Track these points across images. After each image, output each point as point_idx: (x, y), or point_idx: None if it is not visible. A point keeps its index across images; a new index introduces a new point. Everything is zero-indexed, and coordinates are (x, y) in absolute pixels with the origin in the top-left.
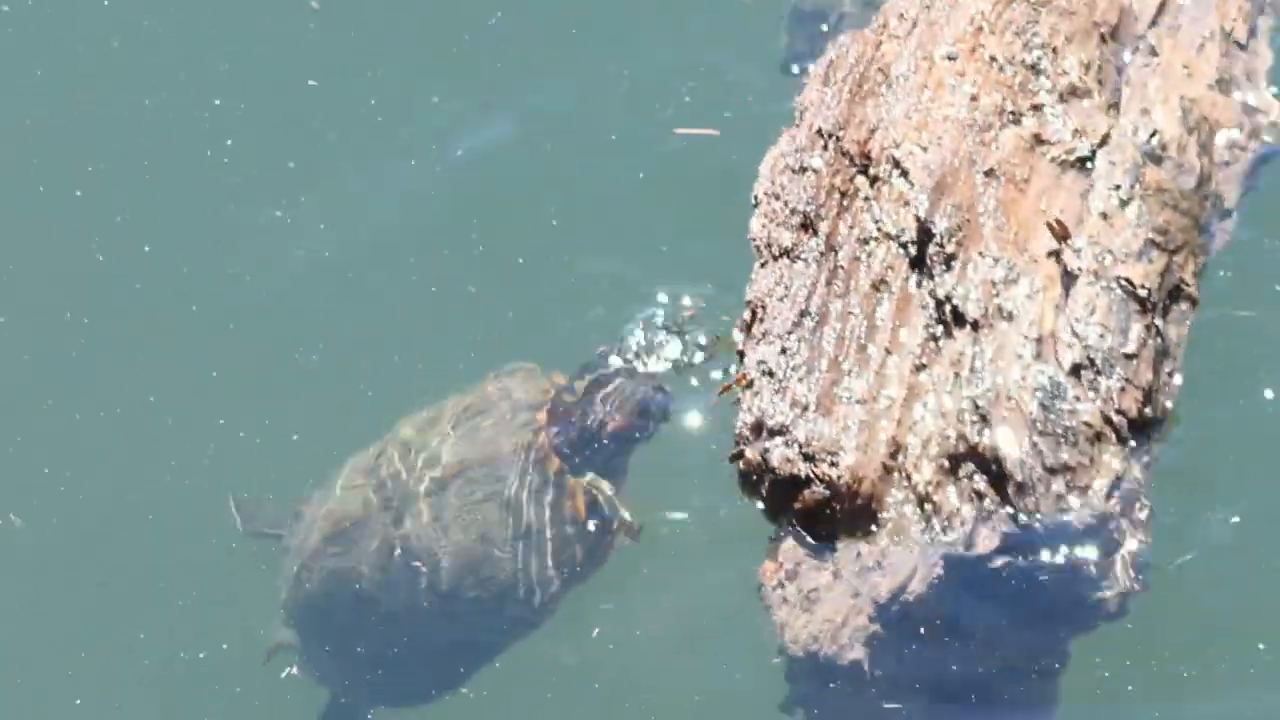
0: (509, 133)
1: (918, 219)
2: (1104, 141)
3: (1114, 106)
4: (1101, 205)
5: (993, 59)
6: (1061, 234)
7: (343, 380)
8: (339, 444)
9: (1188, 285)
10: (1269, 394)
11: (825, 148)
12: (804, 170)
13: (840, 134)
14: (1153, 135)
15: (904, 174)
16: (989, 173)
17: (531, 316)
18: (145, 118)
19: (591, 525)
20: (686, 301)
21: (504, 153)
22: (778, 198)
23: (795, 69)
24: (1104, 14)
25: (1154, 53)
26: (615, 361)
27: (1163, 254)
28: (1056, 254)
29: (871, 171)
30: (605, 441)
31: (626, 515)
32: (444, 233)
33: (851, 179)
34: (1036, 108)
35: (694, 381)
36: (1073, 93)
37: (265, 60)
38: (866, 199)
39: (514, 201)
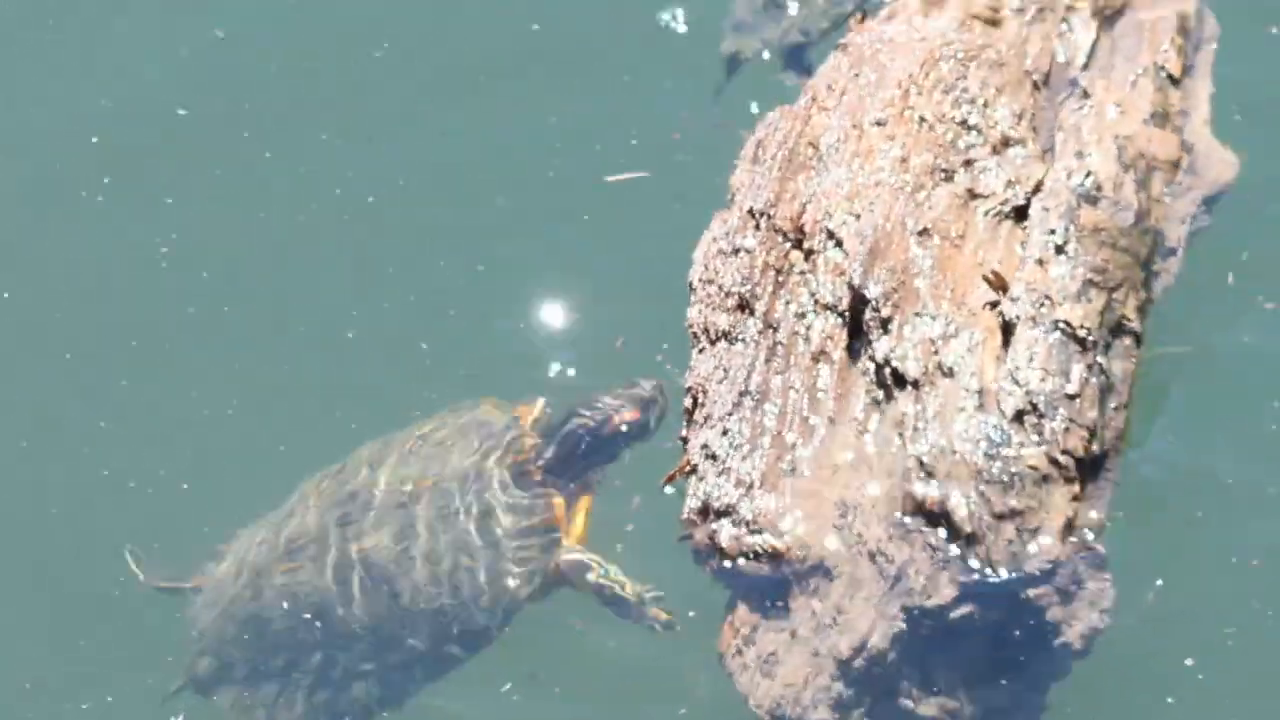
0: (396, 173)
1: (851, 286)
2: (1037, 189)
3: (1048, 153)
4: (1037, 252)
5: (922, 119)
6: (999, 285)
7: (245, 430)
8: (235, 494)
9: (1130, 321)
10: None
11: (757, 227)
12: (737, 252)
13: (772, 211)
14: (1087, 176)
15: (838, 244)
16: (923, 233)
17: (443, 357)
18: (21, 152)
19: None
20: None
21: (397, 192)
22: (712, 282)
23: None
24: (1035, 62)
25: (1086, 95)
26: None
27: (1102, 292)
28: (995, 305)
29: (806, 245)
30: (604, 441)
31: (660, 615)
32: (349, 272)
33: (786, 254)
34: (968, 163)
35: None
36: (1005, 143)
37: (144, 96)
38: (802, 273)
39: (413, 240)
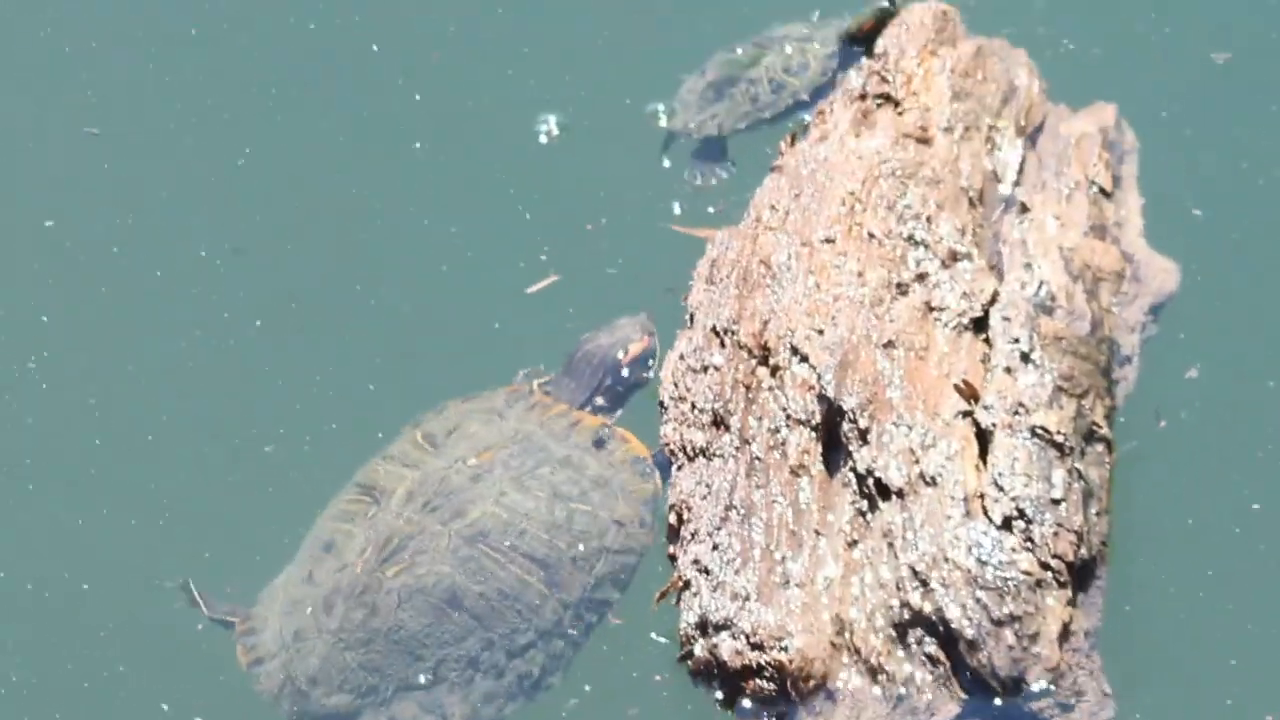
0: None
1: (827, 399)
2: (993, 300)
3: (994, 267)
4: (1004, 361)
5: (871, 235)
6: (970, 394)
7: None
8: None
9: (1100, 428)
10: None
11: (723, 344)
12: (706, 369)
13: (735, 329)
14: (1040, 287)
15: (803, 359)
16: (888, 345)
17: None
18: None
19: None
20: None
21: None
22: (684, 399)
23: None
24: (970, 178)
25: (1025, 209)
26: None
27: (1071, 399)
28: (968, 414)
29: (771, 361)
30: (620, 376)
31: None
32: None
33: (753, 371)
34: (921, 277)
35: None
36: (953, 258)
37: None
38: (771, 389)
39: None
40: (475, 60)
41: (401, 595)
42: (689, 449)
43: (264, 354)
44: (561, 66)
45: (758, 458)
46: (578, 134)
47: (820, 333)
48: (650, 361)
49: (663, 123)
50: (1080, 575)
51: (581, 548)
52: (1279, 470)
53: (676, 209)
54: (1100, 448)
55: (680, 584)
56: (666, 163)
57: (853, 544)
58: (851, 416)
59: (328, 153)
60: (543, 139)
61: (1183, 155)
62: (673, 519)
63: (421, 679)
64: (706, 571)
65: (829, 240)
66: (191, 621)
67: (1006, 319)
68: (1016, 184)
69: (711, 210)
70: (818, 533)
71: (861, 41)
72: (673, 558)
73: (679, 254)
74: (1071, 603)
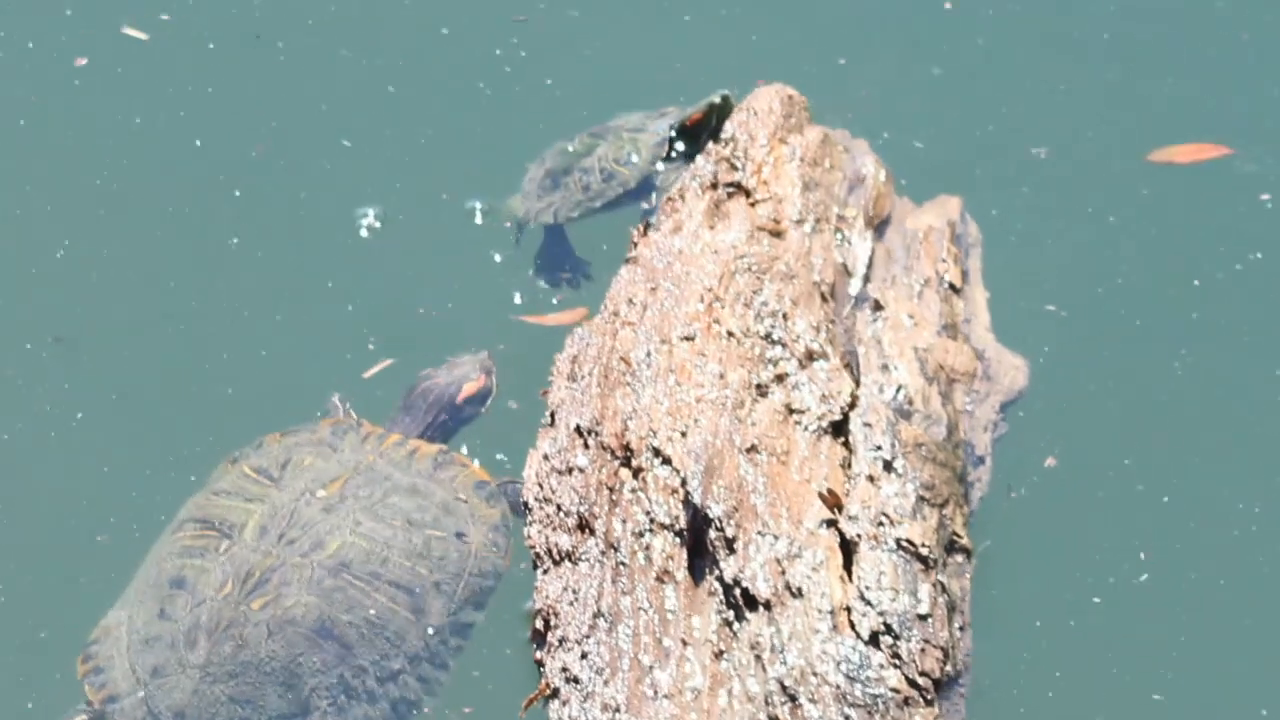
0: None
1: (693, 505)
2: (853, 404)
3: (848, 366)
4: (866, 469)
5: (730, 334)
6: (834, 503)
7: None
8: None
9: (960, 537)
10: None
11: (586, 445)
12: (570, 470)
13: (598, 429)
14: (898, 390)
15: (666, 461)
16: (751, 449)
17: None
18: None
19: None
20: None
21: None
22: (549, 501)
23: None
24: (822, 273)
25: (878, 306)
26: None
27: (934, 509)
28: (832, 523)
29: (634, 463)
30: (456, 413)
31: None
32: None
33: (615, 472)
34: (780, 378)
35: None
36: (810, 357)
37: None
38: (634, 490)
39: None
40: (296, 154)
41: (271, 627)
42: (555, 552)
43: (86, 444)
44: (380, 161)
45: (623, 562)
46: (399, 227)
47: (683, 435)
48: (486, 400)
49: (478, 220)
50: (942, 690)
51: (441, 574)
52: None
53: (517, 298)
54: (960, 558)
55: (548, 691)
56: (497, 257)
57: (719, 654)
58: (719, 525)
59: (149, 245)
60: (363, 232)
61: (1018, 248)
62: (539, 624)
63: (294, 708)
64: (576, 680)
65: (688, 338)
66: None
67: (868, 425)
68: (867, 278)
69: (555, 301)
70: (684, 642)
71: (689, 136)
72: (539, 664)
73: (523, 343)
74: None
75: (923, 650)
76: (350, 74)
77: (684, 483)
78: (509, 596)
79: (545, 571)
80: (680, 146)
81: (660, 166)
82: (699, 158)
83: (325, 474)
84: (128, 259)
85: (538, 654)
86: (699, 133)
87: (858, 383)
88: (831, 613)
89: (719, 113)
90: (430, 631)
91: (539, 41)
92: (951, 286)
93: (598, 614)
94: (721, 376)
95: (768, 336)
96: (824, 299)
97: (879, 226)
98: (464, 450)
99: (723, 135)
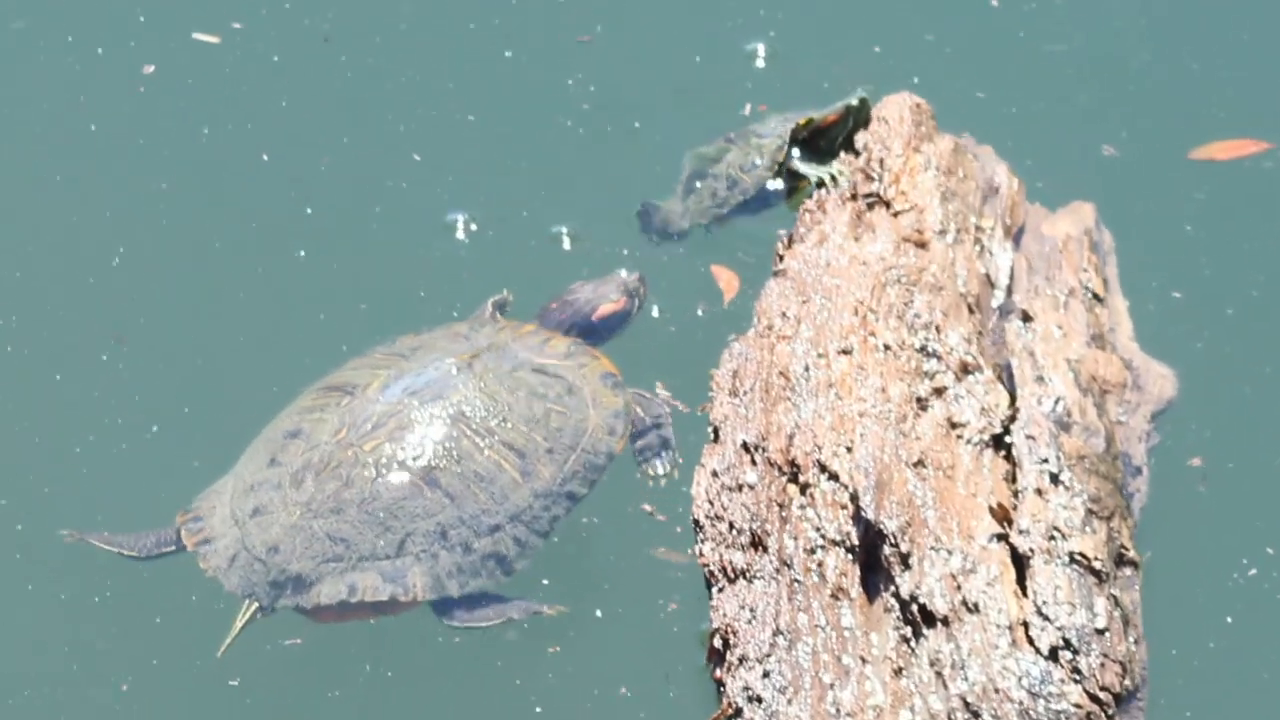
0: None
1: (865, 520)
2: (1013, 417)
3: (1000, 378)
4: (1033, 482)
5: (886, 346)
6: (1003, 517)
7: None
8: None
9: (1127, 550)
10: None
11: (754, 461)
12: (740, 487)
13: (765, 445)
14: (1056, 402)
15: (833, 477)
16: (918, 464)
17: None
18: None
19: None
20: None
21: None
22: (720, 519)
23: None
24: (967, 284)
25: (1027, 317)
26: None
27: (1102, 522)
28: (1003, 537)
29: (801, 479)
30: (588, 329)
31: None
32: None
33: (784, 489)
34: (939, 391)
35: None
36: (965, 370)
37: None
38: (802, 507)
39: None
40: (367, 168)
41: (379, 468)
42: (729, 570)
43: (154, 452)
44: (462, 170)
45: (797, 580)
46: (486, 235)
47: (849, 449)
48: (624, 322)
49: (566, 245)
50: (1120, 704)
51: (555, 443)
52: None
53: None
54: (1129, 570)
55: (731, 711)
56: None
57: (899, 671)
58: (893, 540)
59: (211, 255)
60: (460, 234)
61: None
62: (717, 643)
63: (387, 550)
64: (759, 700)
65: (845, 351)
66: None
67: (1031, 438)
68: (1009, 289)
69: (700, 313)
70: (863, 659)
71: (822, 138)
72: (719, 683)
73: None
74: None
75: (1102, 665)
76: (418, 91)
77: (854, 498)
78: (686, 618)
79: (720, 590)
80: (795, 153)
81: (788, 168)
82: (834, 163)
83: (458, 349)
84: (185, 267)
85: (716, 673)
86: (836, 135)
87: (1012, 395)
88: (1009, 628)
89: (855, 115)
90: (535, 496)
91: (603, 63)
92: (1095, 296)
93: (777, 632)
94: (883, 390)
95: (923, 349)
96: (970, 310)
97: (1016, 235)
98: None
99: (856, 145)
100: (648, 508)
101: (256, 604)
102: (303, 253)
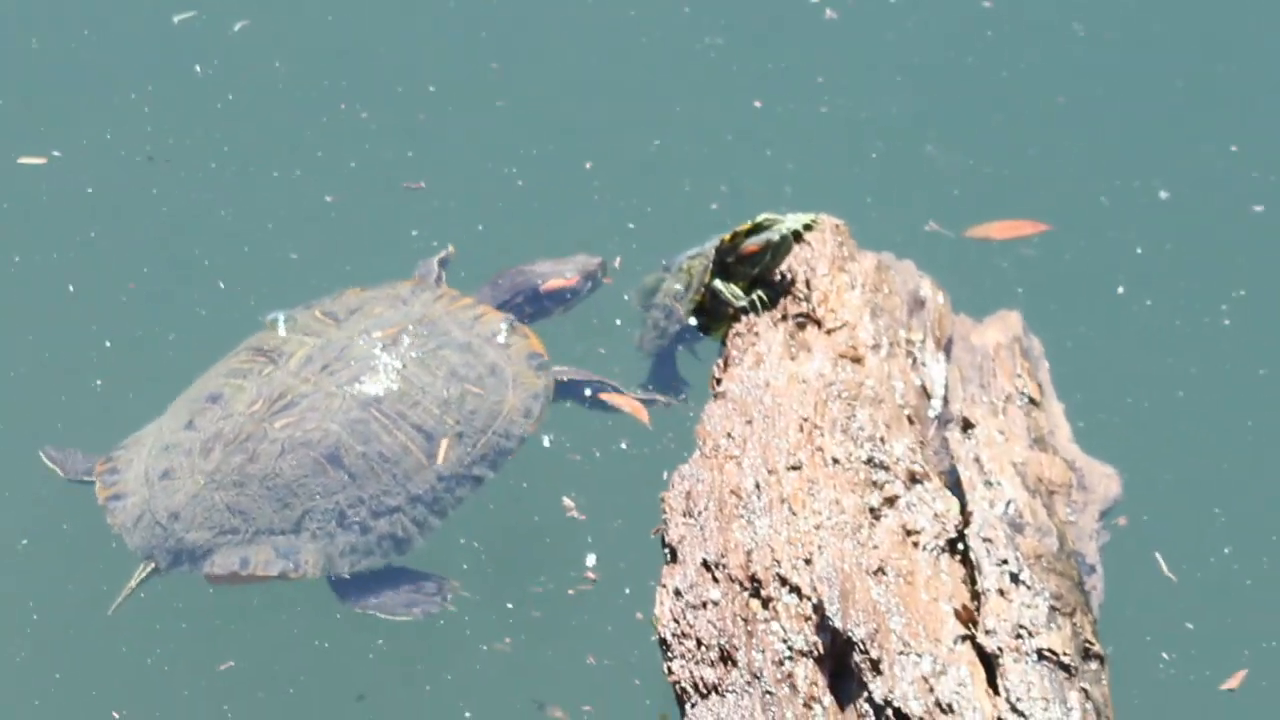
0: None
1: (832, 629)
2: (966, 521)
3: (947, 485)
4: (994, 583)
5: (835, 460)
6: (968, 619)
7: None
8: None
9: (1092, 644)
10: None
11: (715, 579)
12: (705, 605)
13: (724, 561)
14: (1008, 505)
15: (794, 590)
16: (878, 572)
17: None
18: None
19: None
20: None
21: None
22: (687, 637)
23: None
24: (904, 396)
25: (968, 425)
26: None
27: (1065, 618)
28: (968, 638)
29: (763, 593)
30: (533, 300)
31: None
32: None
33: (747, 604)
34: (890, 500)
35: None
36: (913, 479)
37: None
38: (765, 620)
39: None
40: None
41: (285, 445)
42: (700, 686)
43: None
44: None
45: (769, 691)
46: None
47: (807, 562)
48: (569, 299)
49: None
50: None
51: (466, 426)
52: None
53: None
54: (1095, 664)
55: None
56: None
57: None
58: (862, 647)
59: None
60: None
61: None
62: None
63: (284, 526)
64: None
65: (795, 467)
66: None
67: (988, 540)
68: (945, 399)
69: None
70: None
71: (731, 268)
72: None
73: None
74: None
75: None
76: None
77: (818, 609)
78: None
79: (694, 705)
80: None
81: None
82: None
83: (387, 321)
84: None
85: None
86: (756, 263)
87: (962, 501)
88: None
89: (776, 249)
90: (439, 478)
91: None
92: (1031, 400)
93: None
94: (836, 502)
95: (870, 460)
96: (911, 421)
97: (946, 346)
98: None
99: (781, 270)
100: (567, 502)
101: (153, 565)
102: (99, 382)
